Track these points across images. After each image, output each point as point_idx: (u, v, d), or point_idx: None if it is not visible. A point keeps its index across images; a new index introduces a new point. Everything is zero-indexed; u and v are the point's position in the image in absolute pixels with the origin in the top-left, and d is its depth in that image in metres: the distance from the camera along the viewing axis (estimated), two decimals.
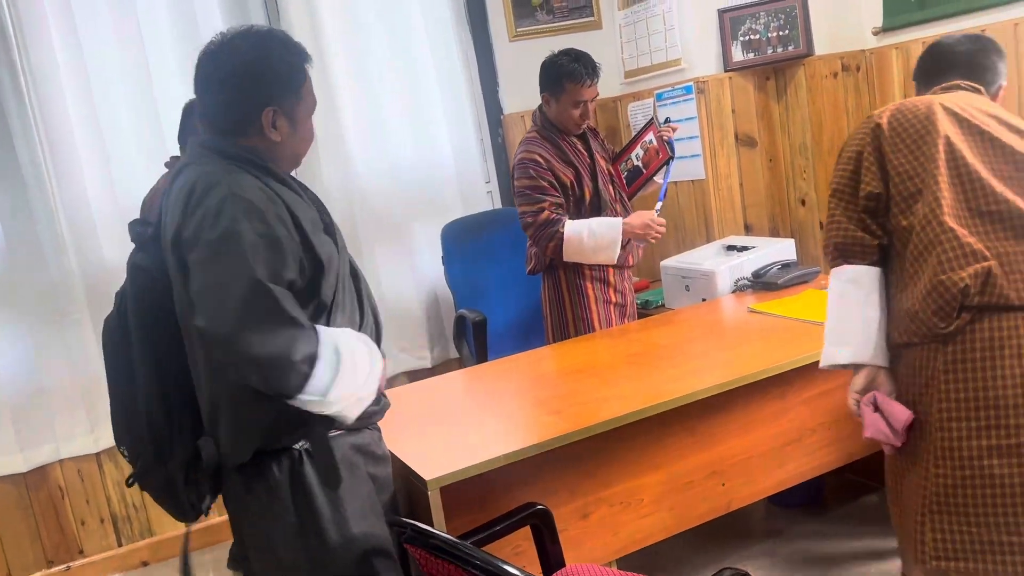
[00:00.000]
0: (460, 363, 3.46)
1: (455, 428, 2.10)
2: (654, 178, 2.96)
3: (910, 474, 1.68)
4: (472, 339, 3.22)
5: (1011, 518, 1.55)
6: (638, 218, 2.80)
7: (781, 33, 3.44)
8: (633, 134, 3.40)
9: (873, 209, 1.69)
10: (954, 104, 1.70)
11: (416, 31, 3.58)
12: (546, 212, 2.74)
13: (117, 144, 3.19)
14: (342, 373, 1.49)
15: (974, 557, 1.59)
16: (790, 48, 3.44)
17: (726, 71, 3.48)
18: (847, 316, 1.72)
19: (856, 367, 1.73)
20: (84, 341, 3.16)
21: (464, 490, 1.81)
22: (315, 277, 1.56)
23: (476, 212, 3.70)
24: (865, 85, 3.43)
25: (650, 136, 2.97)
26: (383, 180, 3.57)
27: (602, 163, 2.90)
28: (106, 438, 3.21)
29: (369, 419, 1.66)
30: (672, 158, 2.91)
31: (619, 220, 2.78)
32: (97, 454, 3.25)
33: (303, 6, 3.37)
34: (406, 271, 3.63)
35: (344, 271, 1.64)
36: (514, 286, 3.48)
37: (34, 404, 3.13)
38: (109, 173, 3.18)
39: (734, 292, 2.98)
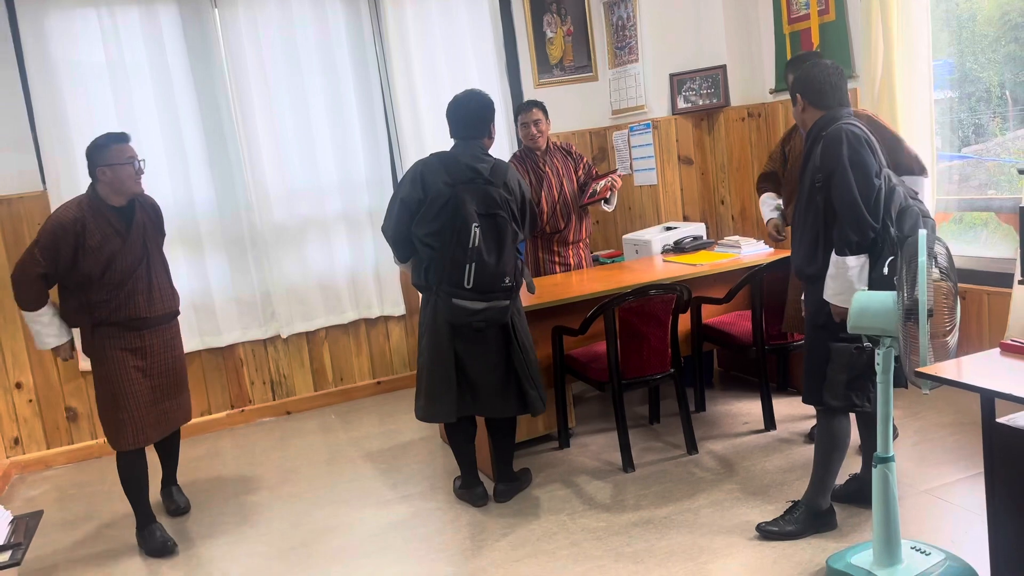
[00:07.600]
0: None
1: None
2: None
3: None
4: None
5: None
6: None
7: (709, 91, 5.30)
8: (614, 159, 5.21)
9: None
10: None
11: (472, 79, 5.46)
12: None
13: (284, 146, 5.10)
14: None
15: None
16: (715, 101, 5.29)
17: (673, 114, 5.33)
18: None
19: None
20: (261, 268, 5.06)
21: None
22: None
23: None
24: (765, 126, 5.26)
25: (604, 182, 4.62)
26: None
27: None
28: (272, 330, 5.13)
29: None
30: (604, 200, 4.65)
31: None
32: (264, 340, 5.15)
33: (403, 65, 5.28)
34: None
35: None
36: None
37: (229, 305, 5.04)
38: (279, 164, 5.10)
39: (662, 253, 4.80)
